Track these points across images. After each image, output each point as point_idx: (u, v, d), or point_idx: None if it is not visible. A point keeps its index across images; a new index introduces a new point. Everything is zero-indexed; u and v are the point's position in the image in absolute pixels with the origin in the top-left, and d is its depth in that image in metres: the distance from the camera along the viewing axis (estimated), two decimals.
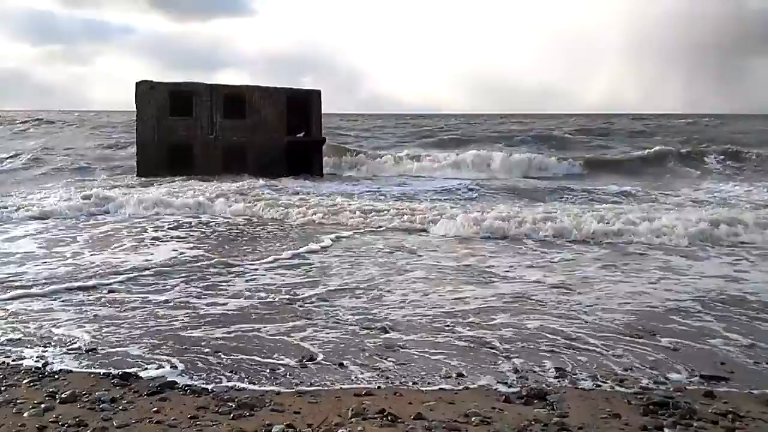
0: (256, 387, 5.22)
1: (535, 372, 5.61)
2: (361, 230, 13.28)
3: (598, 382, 5.36)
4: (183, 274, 9.26)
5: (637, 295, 8.36)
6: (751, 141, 37.17)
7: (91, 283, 8.58)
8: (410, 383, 5.34)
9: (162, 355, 5.96)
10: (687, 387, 5.24)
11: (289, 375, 5.50)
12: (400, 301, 7.95)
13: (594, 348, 6.28)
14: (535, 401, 4.87)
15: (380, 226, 13.57)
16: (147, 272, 9.30)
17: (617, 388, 5.24)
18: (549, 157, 30.47)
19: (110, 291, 8.24)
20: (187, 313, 7.32)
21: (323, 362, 5.83)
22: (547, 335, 6.66)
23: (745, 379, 5.46)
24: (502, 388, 5.20)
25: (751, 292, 8.56)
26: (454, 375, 5.52)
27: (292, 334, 6.61)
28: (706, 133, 46.56)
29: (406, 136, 46.31)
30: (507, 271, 9.75)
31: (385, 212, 14.61)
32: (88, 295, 8.02)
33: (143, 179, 21.67)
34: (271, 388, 5.20)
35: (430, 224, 13.37)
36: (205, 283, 8.79)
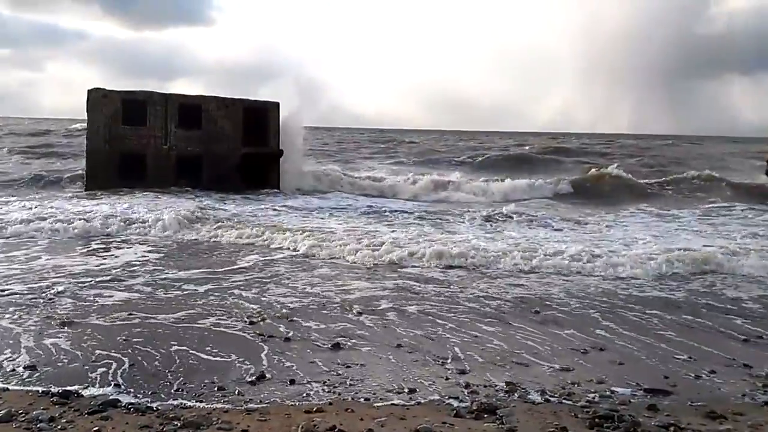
0: (203, 405, 5.10)
1: (486, 387, 5.66)
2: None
3: (547, 396, 5.44)
4: (130, 287, 9.01)
5: None
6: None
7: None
8: (362, 399, 5.31)
9: (106, 372, 5.76)
10: (631, 400, 5.38)
11: (238, 392, 5.39)
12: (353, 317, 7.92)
13: (544, 362, 6.39)
14: (486, 416, 4.91)
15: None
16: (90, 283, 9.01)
17: (565, 401, 5.33)
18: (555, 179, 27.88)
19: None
20: (134, 330, 7.11)
21: (274, 379, 5.74)
22: (502, 350, 6.75)
23: (686, 392, 5.64)
24: (454, 403, 5.23)
25: (689, 310, 8.86)
26: (406, 390, 5.52)
27: (241, 352, 6.50)
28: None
29: (378, 153, 46.38)
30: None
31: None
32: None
33: (88, 192, 21.00)
34: (219, 405, 5.08)
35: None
36: (153, 303, 8.56)
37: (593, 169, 30.12)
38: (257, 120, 24.23)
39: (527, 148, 51.17)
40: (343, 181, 26.42)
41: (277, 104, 24.75)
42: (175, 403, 5.12)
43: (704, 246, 12.97)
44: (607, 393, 5.55)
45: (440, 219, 17.27)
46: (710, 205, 21.89)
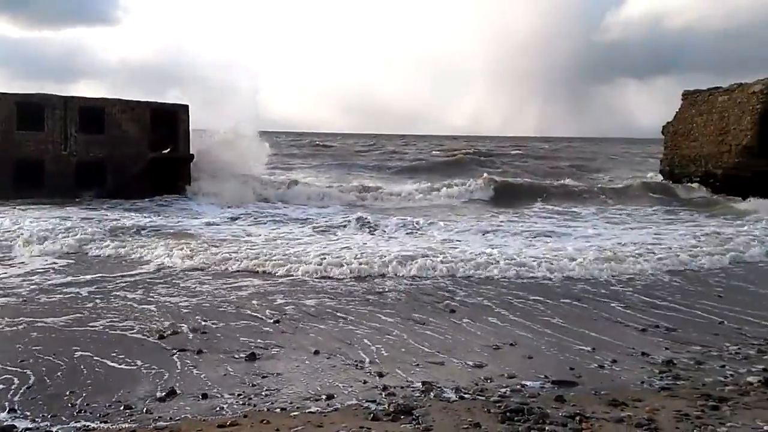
0: (108, 425, 4.82)
1: (403, 388, 5.71)
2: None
3: (462, 394, 5.56)
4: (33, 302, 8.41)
5: None
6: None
7: None
8: (278, 409, 5.21)
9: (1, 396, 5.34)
10: (540, 393, 5.60)
11: (146, 410, 5.15)
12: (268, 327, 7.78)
13: (459, 360, 6.54)
14: (402, 417, 4.95)
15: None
16: None
17: (478, 397, 5.48)
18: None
19: None
20: (33, 348, 6.63)
21: (185, 394, 5.53)
22: (419, 351, 6.84)
23: (591, 382, 5.94)
24: (371, 406, 5.24)
25: (591, 305, 9.36)
26: (323, 397, 5.47)
27: (150, 366, 6.22)
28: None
29: (293, 157, 45.74)
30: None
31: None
32: None
33: None
34: (126, 425, 4.83)
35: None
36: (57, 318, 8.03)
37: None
38: (166, 123, 23.32)
39: (462, 152, 52.25)
40: (256, 187, 25.30)
41: (187, 107, 23.94)
42: (78, 425, 4.82)
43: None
44: (518, 387, 5.75)
45: (333, 226, 16.62)
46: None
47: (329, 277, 10.51)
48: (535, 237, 15.23)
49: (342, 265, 11.08)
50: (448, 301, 9.10)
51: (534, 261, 11.79)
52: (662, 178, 31.07)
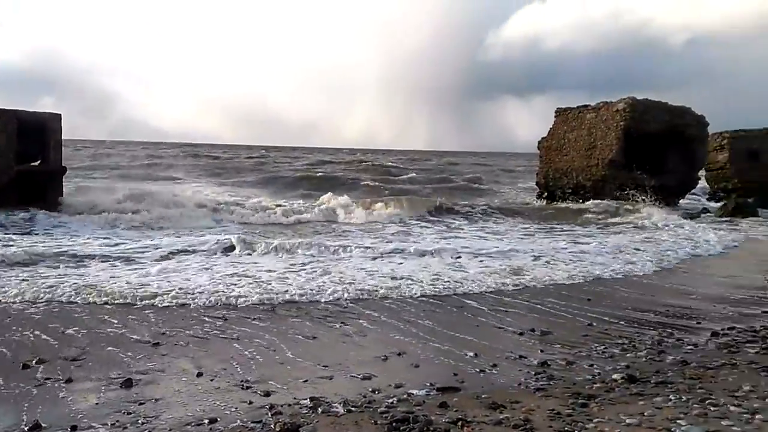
0: None
1: (290, 405, 5.62)
2: None
3: (350, 407, 5.57)
4: None
5: None
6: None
7: None
8: None
9: None
10: (426, 400, 5.73)
11: None
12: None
13: (347, 373, 6.55)
14: None
15: None
16: None
17: (366, 409, 5.51)
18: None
19: None
20: None
21: (53, 426, 5.10)
22: (307, 366, 6.78)
23: (473, 386, 6.16)
24: (257, 428, 5.11)
25: (472, 310, 9.77)
26: (206, 421, 5.26)
27: (13, 399, 5.68)
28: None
29: (173, 169, 43.85)
30: None
31: None
32: None
33: None
34: None
35: None
36: None
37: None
38: (35, 134, 21.57)
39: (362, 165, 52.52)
40: (126, 201, 23.46)
41: (59, 116, 22.31)
42: None
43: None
44: (405, 396, 5.85)
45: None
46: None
47: (218, 300, 10.13)
48: (422, 255, 15.63)
49: (230, 286, 10.75)
50: (338, 317, 9.11)
51: (423, 272, 12.11)
52: (539, 189, 33.14)
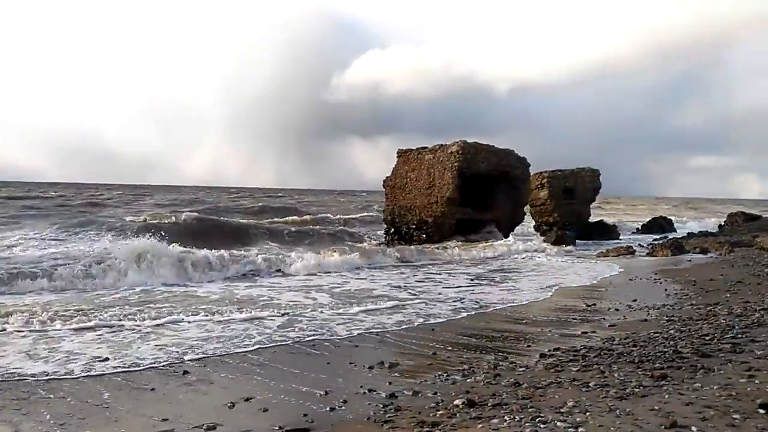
0: None
1: None
2: None
3: None
4: None
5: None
6: None
7: None
8: None
9: None
10: None
11: None
12: None
13: (190, 424, 6.17)
14: None
15: None
16: None
17: None
18: None
19: None
20: None
21: None
22: (148, 419, 6.26)
23: (322, 425, 6.11)
24: None
25: (321, 348, 9.78)
26: None
27: None
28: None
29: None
30: None
31: None
32: None
33: None
34: None
35: None
36: None
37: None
38: None
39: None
40: None
41: None
42: None
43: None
44: None
45: None
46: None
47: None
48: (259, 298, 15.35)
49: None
50: (180, 363, 8.59)
51: (272, 312, 11.88)
52: (386, 225, 34.34)
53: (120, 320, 11.21)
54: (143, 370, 8.24)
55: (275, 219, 41.48)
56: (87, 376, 7.94)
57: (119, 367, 8.33)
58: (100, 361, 8.60)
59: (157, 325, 10.97)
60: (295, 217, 43.72)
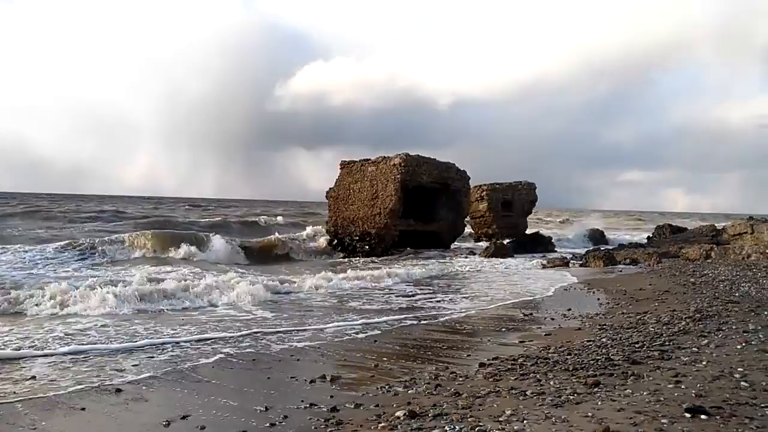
0: None
1: None
2: None
3: None
4: None
5: None
6: None
7: None
8: None
9: None
10: None
11: None
12: None
13: None
14: None
15: None
16: None
17: None
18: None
19: None
20: None
21: None
22: None
23: None
24: None
25: (262, 363, 9.62)
26: None
27: None
28: None
29: None
30: None
31: None
32: None
33: None
34: None
35: None
36: None
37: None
38: None
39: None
40: None
41: None
42: None
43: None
44: None
45: None
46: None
47: None
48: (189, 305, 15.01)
49: None
50: (113, 380, 8.25)
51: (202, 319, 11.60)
52: (329, 237, 34.21)
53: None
54: (74, 389, 7.87)
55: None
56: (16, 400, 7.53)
57: (47, 385, 7.93)
58: (26, 380, 8.17)
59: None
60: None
